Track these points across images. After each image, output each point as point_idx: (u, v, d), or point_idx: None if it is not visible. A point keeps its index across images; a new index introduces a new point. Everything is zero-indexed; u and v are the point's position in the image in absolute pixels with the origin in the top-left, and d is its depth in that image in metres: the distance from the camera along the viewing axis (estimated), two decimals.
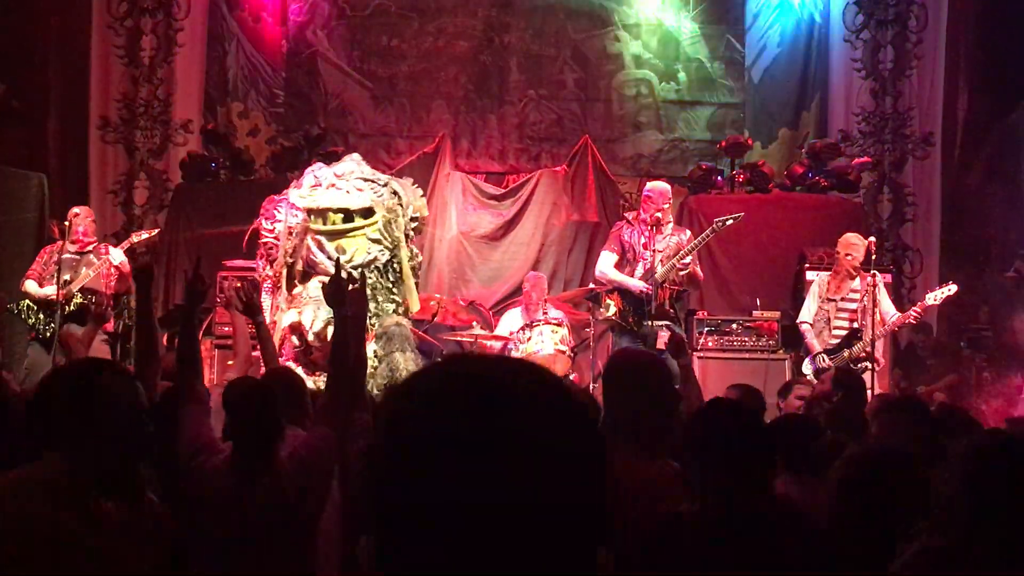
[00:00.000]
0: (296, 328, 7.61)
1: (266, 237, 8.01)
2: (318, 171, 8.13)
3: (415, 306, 8.14)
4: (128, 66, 11.54)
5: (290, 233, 7.86)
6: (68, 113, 11.54)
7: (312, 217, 7.80)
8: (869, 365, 8.29)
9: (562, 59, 11.95)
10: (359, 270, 7.66)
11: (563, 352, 9.13)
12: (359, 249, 7.73)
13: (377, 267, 7.79)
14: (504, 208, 11.29)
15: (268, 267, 8.02)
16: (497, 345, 9.97)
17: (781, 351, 9.48)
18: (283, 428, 3.81)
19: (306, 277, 7.85)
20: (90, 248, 8.99)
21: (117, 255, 8.87)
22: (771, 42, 11.94)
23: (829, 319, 8.76)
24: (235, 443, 3.82)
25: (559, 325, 9.26)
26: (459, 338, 9.96)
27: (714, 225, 8.43)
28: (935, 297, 8.57)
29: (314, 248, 7.73)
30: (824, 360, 8.50)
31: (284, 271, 7.90)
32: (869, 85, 11.47)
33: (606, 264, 8.66)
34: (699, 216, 10.25)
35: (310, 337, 7.52)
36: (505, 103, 11.91)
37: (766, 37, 11.96)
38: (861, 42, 11.51)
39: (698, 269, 8.63)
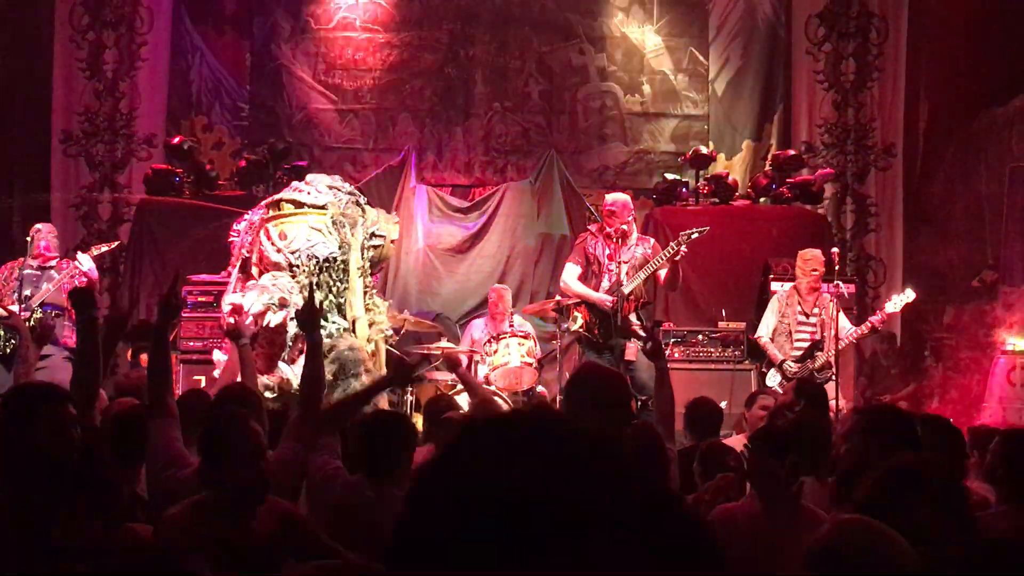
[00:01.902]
0: (237, 310, 7.38)
1: (233, 237, 8.12)
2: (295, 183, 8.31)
3: (357, 311, 7.94)
4: (91, 80, 11.46)
5: (250, 227, 7.95)
6: (30, 126, 11.44)
7: (268, 211, 7.89)
8: (832, 375, 8.35)
9: (527, 72, 11.98)
10: (296, 255, 7.58)
11: (530, 364, 9.15)
12: (298, 235, 7.71)
13: (315, 257, 7.64)
14: (470, 221, 11.29)
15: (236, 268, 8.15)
16: (464, 357, 9.98)
17: (747, 361, 9.54)
18: None
19: (262, 273, 7.79)
20: (51, 264, 8.90)
21: (86, 261, 8.65)
22: (734, 55, 12.02)
23: (790, 332, 8.82)
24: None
25: (526, 337, 9.29)
26: (425, 350, 9.94)
27: (680, 238, 8.38)
28: (895, 304, 8.64)
29: (262, 237, 7.76)
30: (791, 368, 8.54)
31: (239, 264, 7.94)
32: (831, 97, 11.57)
33: (570, 276, 8.63)
34: (664, 227, 10.28)
35: (248, 320, 7.21)
36: (471, 116, 11.92)
37: (729, 50, 12.04)
38: (823, 54, 11.60)
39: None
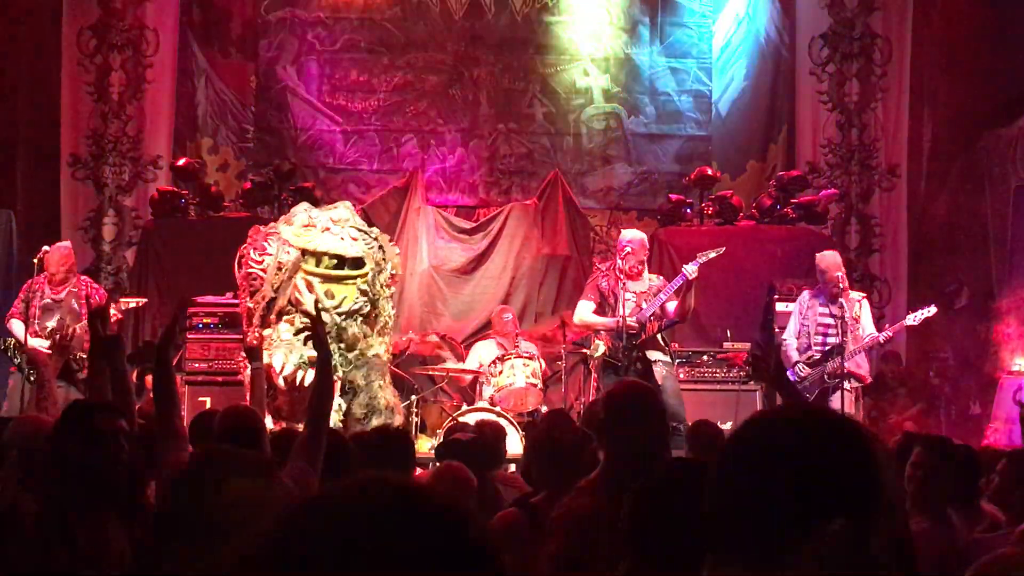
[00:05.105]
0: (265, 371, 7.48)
1: (253, 268, 7.78)
2: (311, 212, 8.02)
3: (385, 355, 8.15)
4: (97, 102, 11.50)
5: (279, 268, 7.70)
6: (38, 150, 11.49)
7: (305, 257, 7.71)
8: (846, 383, 8.27)
9: (531, 93, 12.02)
10: (343, 317, 7.65)
11: (535, 385, 9.14)
12: (348, 297, 7.69)
13: (361, 315, 7.78)
14: (475, 242, 11.31)
15: (248, 298, 7.83)
16: (468, 378, 9.98)
17: (752, 383, 9.51)
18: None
19: (281, 316, 7.72)
20: (66, 291, 8.95)
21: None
22: (738, 75, 12.06)
23: (811, 333, 8.67)
24: None
25: (531, 358, 9.29)
26: (430, 372, 9.96)
27: (697, 257, 8.29)
28: (915, 318, 8.52)
29: (302, 288, 7.61)
30: (803, 370, 8.45)
31: (263, 304, 7.74)
32: (835, 117, 11.58)
33: (585, 311, 8.36)
34: (669, 248, 10.30)
35: (280, 382, 7.39)
36: (475, 137, 11.96)
37: (733, 70, 12.08)
38: (827, 75, 11.62)
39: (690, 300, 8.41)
